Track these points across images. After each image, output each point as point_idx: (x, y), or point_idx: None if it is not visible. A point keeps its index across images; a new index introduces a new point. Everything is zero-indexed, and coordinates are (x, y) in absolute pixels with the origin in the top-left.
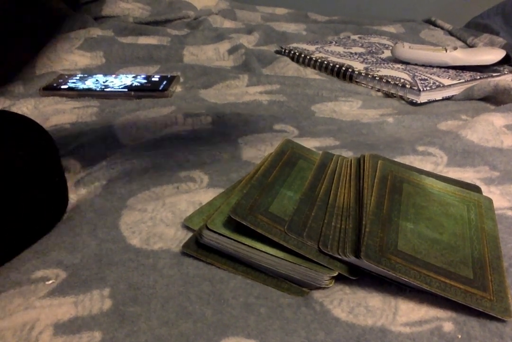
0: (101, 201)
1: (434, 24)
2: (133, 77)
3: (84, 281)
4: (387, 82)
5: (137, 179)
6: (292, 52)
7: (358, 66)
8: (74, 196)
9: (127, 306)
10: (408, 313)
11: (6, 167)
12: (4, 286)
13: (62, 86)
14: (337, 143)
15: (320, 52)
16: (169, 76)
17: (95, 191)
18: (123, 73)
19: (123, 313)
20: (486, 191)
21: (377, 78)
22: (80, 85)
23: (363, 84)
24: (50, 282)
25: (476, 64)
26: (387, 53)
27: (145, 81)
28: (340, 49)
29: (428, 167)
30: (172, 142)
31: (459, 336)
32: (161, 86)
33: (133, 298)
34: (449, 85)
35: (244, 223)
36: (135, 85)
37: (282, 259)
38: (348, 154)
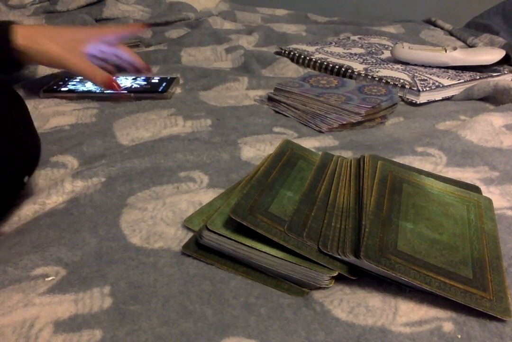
0: (100, 197)
1: (434, 24)
2: (133, 79)
3: (84, 279)
4: (387, 82)
5: (137, 178)
6: (292, 53)
7: (358, 67)
8: (69, 186)
9: (128, 305)
10: (408, 313)
11: None
12: (3, 283)
13: (62, 88)
14: (337, 144)
15: (320, 53)
16: (168, 78)
17: (94, 187)
18: (122, 75)
19: (124, 311)
20: (485, 191)
21: (377, 78)
22: (80, 87)
23: None
24: (50, 278)
25: (475, 64)
26: (386, 54)
27: (145, 83)
28: (340, 50)
29: (427, 167)
30: (171, 143)
31: (459, 336)
32: (161, 88)
33: (134, 296)
34: (449, 86)
35: (244, 223)
36: (135, 87)
37: (282, 259)
38: (348, 154)
